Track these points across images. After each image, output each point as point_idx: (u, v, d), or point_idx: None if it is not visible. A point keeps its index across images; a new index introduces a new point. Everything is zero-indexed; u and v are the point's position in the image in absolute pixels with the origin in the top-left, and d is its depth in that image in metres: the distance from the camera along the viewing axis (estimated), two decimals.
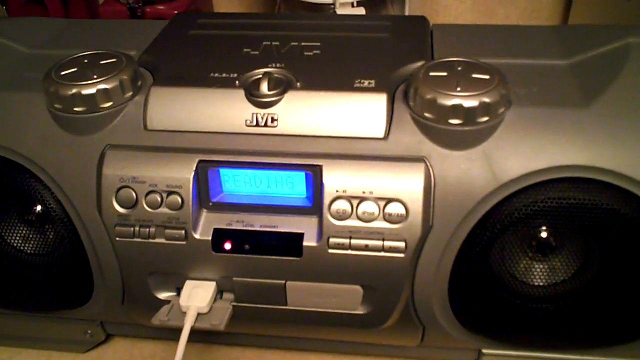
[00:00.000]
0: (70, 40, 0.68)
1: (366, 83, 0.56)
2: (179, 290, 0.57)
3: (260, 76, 0.56)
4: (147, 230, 0.56)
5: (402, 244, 0.53)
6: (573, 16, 1.19)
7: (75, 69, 0.57)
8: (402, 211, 0.53)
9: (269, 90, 0.55)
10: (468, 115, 0.52)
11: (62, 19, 0.78)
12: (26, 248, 0.62)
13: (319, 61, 0.60)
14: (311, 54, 0.61)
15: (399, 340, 0.63)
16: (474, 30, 0.69)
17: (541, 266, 0.57)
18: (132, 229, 0.56)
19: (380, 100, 0.55)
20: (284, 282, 0.56)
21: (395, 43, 0.64)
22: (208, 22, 0.70)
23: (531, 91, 0.56)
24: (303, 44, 0.63)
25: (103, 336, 0.70)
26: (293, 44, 0.63)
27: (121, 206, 0.56)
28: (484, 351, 0.64)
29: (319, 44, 0.63)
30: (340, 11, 0.93)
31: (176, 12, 0.93)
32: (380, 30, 0.66)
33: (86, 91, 0.55)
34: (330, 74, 0.58)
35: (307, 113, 0.55)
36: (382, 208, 0.53)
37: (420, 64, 0.58)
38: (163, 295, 0.59)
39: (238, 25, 0.68)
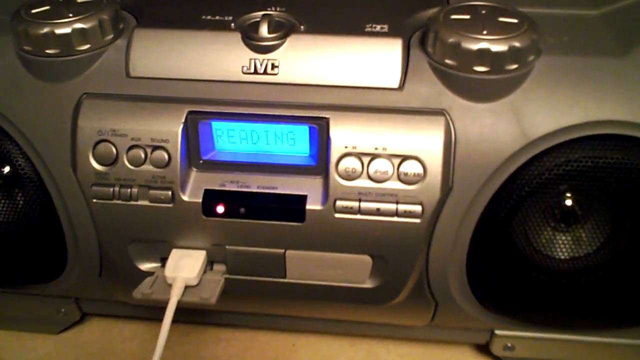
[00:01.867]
0: None
1: (378, 27, 0.51)
2: (163, 261, 0.53)
3: (259, 18, 0.50)
4: (128, 190, 0.50)
5: (418, 208, 0.48)
6: None
7: (48, 7, 0.51)
8: (419, 170, 0.48)
9: (269, 32, 0.50)
10: (495, 61, 0.47)
11: None
12: None
13: (324, 4, 0.55)
14: None
15: (408, 319, 0.58)
16: None
17: (565, 237, 0.53)
18: (111, 189, 0.50)
19: (394, 46, 0.49)
20: (283, 250, 0.52)
21: None
22: None
23: (561, 40, 0.51)
24: None
25: (78, 315, 0.65)
26: None
27: (99, 163, 0.50)
28: (497, 332, 0.59)
29: None
30: None
31: None
32: None
33: (60, 30, 0.49)
34: (338, 18, 0.53)
35: (311, 59, 0.50)
36: (396, 166, 0.48)
37: (436, 9, 0.52)
38: (146, 266, 0.54)
39: None
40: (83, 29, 0.50)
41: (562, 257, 0.53)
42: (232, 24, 0.51)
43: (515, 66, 0.47)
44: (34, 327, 0.65)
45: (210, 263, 0.53)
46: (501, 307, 0.55)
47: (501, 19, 0.48)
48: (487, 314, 0.56)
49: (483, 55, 0.46)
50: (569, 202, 0.51)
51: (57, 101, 0.51)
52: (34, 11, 0.51)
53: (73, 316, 0.65)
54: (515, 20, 0.48)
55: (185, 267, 0.51)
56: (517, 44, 0.46)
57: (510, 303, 0.54)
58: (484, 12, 0.50)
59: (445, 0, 0.56)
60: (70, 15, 0.50)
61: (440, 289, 0.53)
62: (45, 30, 0.49)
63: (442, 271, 0.52)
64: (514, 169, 0.48)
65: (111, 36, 0.51)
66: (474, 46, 0.46)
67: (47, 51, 0.50)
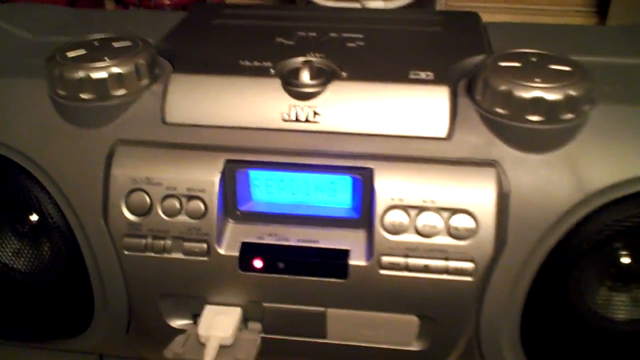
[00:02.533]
0: (79, 27, 0.61)
1: (423, 74, 0.49)
2: (195, 317, 0.51)
3: (300, 64, 0.49)
4: (162, 242, 0.48)
5: (469, 265, 0.46)
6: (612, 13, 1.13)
7: (84, 50, 0.50)
8: (471, 224, 0.45)
9: (311, 79, 0.48)
10: (550, 110, 0.45)
11: (69, 7, 0.71)
12: (16, 264, 0.54)
13: (364, 52, 0.53)
14: (354, 45, 0.54)
15: None
16: (532, 28, 0.62)
17: (622, 297, 0.49)
18: (144, 240, 0.48)
19: (441, 93, 0.47)
20: (323, 309, 0.49)
21: (449, 36, 0.57)
22: (233, 12, 0.63)
23: (615, 88, 0.49)
24: (344, 35, 0.56)
25: None
26: (332, 34, 0.56)
27: (132, 213, 0.48)
28: None
29: (361, 36, 0.56)
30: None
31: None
32: (430, 24, 0.59)
33: (96, 75, 0.48)
34: (380, 65, 0.51)
35: (354, 107, 0.48)
36: (446, 220, 0.45)
37: (480, 57, 0.50)
38: (177, 323, 0.52)
39: (267, 16, 0.61)
40: (119, 73, 0.48)
41: (621, 318, 0.50)
42: (272, 70, 0.50)
43: (570, 116, 0.45)
44: None
45: (245, 321, 0.51)
46: None
47: (553, 67, 0.47)
48: None
49: (537, 104, 0.44)
50: (626, 260, 0.48)
51: (90, 147, 0.49)
52: (69, 54, 0.50)
53: None
54: (568, 68, 0.46)
55: (219, 325, 0.49)
56: (572, 93, 0.44)
57: None
58: (534, 59, 0.48)
59: (488, 48, 0.55)
60: (107, 59, 0.49)
61: (491, 352, 0.50)
62: (81, 74, 0.48)
63: (494, 333, 0.49)
64: (572, 224, 0.46)
65: (147, 81, 0.50)
66: (528, 95, 0.44)
67: (82, 96, 0.48)
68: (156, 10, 0.87)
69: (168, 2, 0.92)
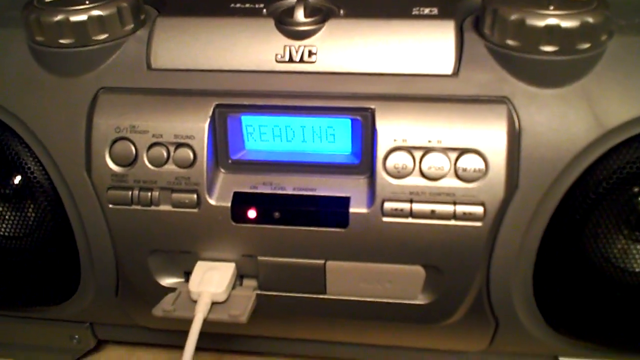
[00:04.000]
0: None
1: (427, 10, 0.46)
2: (187, 275, 0.49)
3: (294, 3, 0.46)
4: (149, 194, 0.46)
5: (479, 209, 0.43)
6: None
7: None
8: (480, 165, 0.42)
9: (306, 17, 0.46)
10: (565, 39, 0.42)
11: None
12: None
13: None
14: None
15: (463, 343, 0.52)
16: None
17: None
18: (130, 192, 0.46)
19: (446, 28, 0.45)
20: (322, 261, 0.47)
21: None
22: None
23: (633, 21, 0.46)
24: None
25: (93, 342, 0.61)
26: None
27: (116, 163, 0.46)
28: (561, 358, 0.54)
29: None
30: None
31: None
32: None
33: (75, 17, 0.46)
34: (381, 3, 0.49)
35: (353, 45, 0.45)
36: (453, 161, 0.43)
37: None
38: (168, 281, 0.50)
39: None
40: (100, 16, 0.46)
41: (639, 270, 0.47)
42: (264, 10, 0.48)
43: (587, 45, 0.42)
44: (44, 356, 0.61)
45: (240, 277, 0.49)
46: (571, 327, 0.49)
47: None
48: (553, 336, 0.50)
49: (552, 33, 0.41)
50: None
51: (72, 97, 0.47)
52: (48, 0, 0.47)
53: (87, 343, 0.61)
54: None
55: (212, 281, 0.47)
56: (589, 20, 0.41)
57: (582, 323, 0.49)
58: None
59: None
60: (87, 2, 0.46)
61: (502, 306, 0.48)
62: (59, 17, 0.45)
63: (505, 285, 0.46)
64: (589, 163, 0.43)
65: (131, 26, 0.48)
66: (541, 22, 0.41)
67: (61, 41, 0.46)
68: None
69: None
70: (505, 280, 0.46)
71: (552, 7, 0.42)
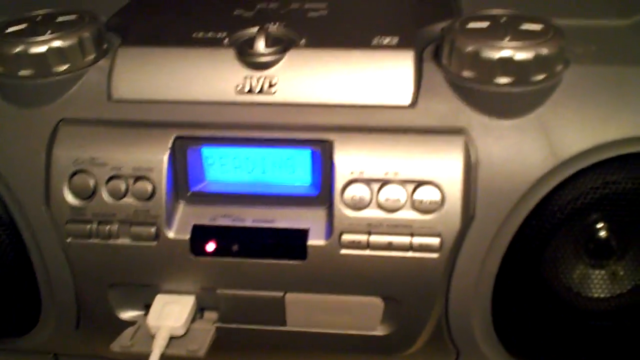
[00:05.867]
0: (29, 6, 0.57)
1: (387, 40, 0.46)
2: (148, 308, 0.48)
3: (255, 33, 0.45)
4: (107, 227, 0.45)
5: (435, 240, 0.43)
6: None
7: (24, 25, 0.48)
8: (436, 197, 0.42)
9: (266, 47, 0.45)
10: (520, 71, 0.42)
11: None
12: None
13: (326, 21, 0.51)
14: (316, 14, 0.52)
15: None
16: None
17: (599, 273, 0.47)
18: (88, 226, 0.46)
19: (405, 59, 0.45)
20: (282, 293, 0.46)
21: (418, 2, 0.55)
22: None
23: (589, 49, 0.47)
24: (306, 5, 0.53)
25: None
26: (294, 5, 0.53)
27: (75, 196, 0.45)
28: None
29: (324, 5, 0.53)
30: None
31: None
32: None
33: (35, 49, 0.46)
34: (342, 32, 0.49)
35: (312, 76, 0.45)
36: (409, 193, 0.43)
37: (449, 21, 0.48)
38: (128, 315, 0.49)
39: None
40: (60, 48, 0.46)
41: (598, 296, 0.47)
42: (226, 40, 0.47)
43: (542, 76, 0.43)
44: None
45: (200, 310, 0.48)
46: (532, 355, 0.49)
47: (524, 27, 0.44)
48: None
49: (506, 65, 0.42)
50: (603, 233, 0.45)
51: (32, 128, 0.47)
52: (8, 30, 0.47)
53: None
54: (539, 27, 0.44)
55: (171, 314, 0.46)
56: (544, 51, 0.42)
57: (543, 350, 0.48)
58: (503, 20, 0.45)
59: (458, 12, 0.52)
60: (48, 33, 0.46)
61: (462, 336, 0.47)
62: (18, 49, 0.45)
63: (464, 314, 0.46)
64: (544, 193, 0.43)
65: (93, 56, 0.48)
66: (496, 54, 0.42)
67: (21, 73, 0.46)
68: None
69: None
70: (464, 310, 0.46)
71: (508, 38, 0.42)
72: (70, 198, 0.45)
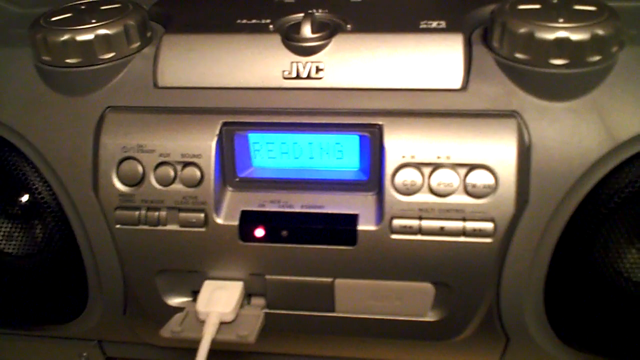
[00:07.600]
0: None
1: (434, 24, 0.45)
2: (195, 294, 0.48)
3: (300, 18, 0.45)
4: (156, 213, 0.45)
5: (489, 225, 0.42)
6: None
7: (70, 14, 0.48)
8: (490, 181, 0.42)
9: (313, 32, 0.45)
10: (575, 52, 0.41)
11: None
12: (8, 248, 0.52)
13: (371, 6, 0.50)
14: (358, 0, 0.50)
15: (473, 358, 0.51)
16: None
17: None
18: (137, 212, 0.46)
19: (454, 42, 0.44)
20: (331, 279, 0.46)
21: None
22: None
23: None
24: None
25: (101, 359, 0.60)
26: None
27: (123, 183, 0.46)
28: None
29: None
30: None
31: None
32: None
33: (81, 37, 0.45)
34: (388, 16, 0.48)
35: (360, 60, 0.45)
36: (462, 177, 0.42)
37: (496, 4, 0.47)
38: (175, 301, 0.49)
39: None
40: (107, 35, 0.46)
41: None
42: (271, 27, 0.47)
43: (598, 58, 0.41)
44: None
45: (247, 296, 0.48)
46: (583, 341, 0.48)
47: (577, 7, 0.43)
48: (565, 351, 0.49)
49: (561, 46, 0.41)
50: None
51: (79, 116, 0.47)
52: (54, 19, 0.47)
53: None
54: (593, 8, 0.43)
55: (219, 300, 0.46)
56: (600, 32, 0.41)
57: (595, 336, 0.47)
58: (555, 1, 0.44)
59: None
60: (94, 21, 0.46)
61: (513, 322, 0.47)
62: (66, 37, 0.45)
63: (516, 300, 0.45)
64: (601, 176, 0.42)
65: (138, 44, 0.48)
66: (551, 35, 0.41)
67: (68, 61, 0.46)
68: None
69: None
70: (516, 296, 0.45)
71: (561, 20, 0.41)
72: (118, 185, 0.45)
